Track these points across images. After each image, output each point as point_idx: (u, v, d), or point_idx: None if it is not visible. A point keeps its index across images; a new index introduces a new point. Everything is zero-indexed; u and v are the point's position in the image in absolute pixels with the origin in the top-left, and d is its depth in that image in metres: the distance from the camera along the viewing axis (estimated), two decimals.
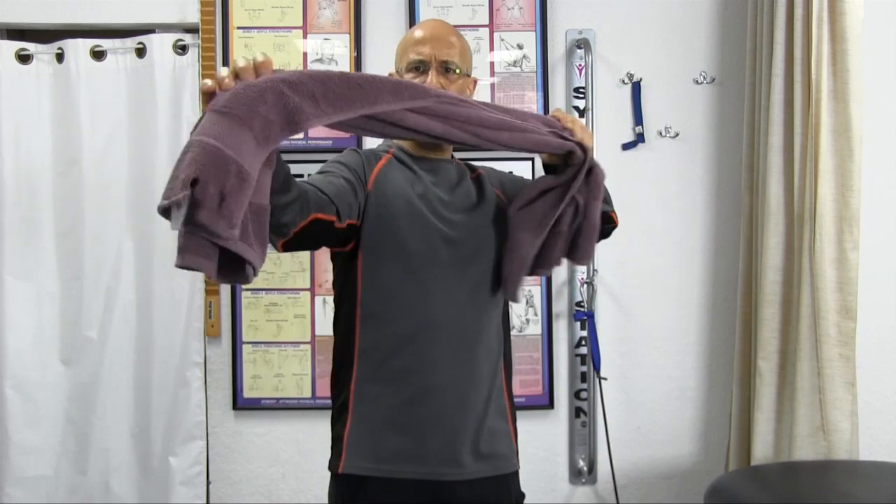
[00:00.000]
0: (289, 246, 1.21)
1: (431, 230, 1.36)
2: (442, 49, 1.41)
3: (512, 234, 1.38)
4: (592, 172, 1.36)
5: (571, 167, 1.35)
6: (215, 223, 0.94)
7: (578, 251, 1.40)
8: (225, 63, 2.27)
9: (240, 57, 1.06)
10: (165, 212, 0.94)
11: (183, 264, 0.96)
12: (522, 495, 1.48)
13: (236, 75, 1.02)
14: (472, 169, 1.53)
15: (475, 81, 1.52)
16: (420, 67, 1.41)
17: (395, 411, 1.34)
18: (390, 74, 1.47)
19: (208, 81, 1.01)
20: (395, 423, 1.34)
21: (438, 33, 1.43)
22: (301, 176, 2.22)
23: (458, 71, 1.43)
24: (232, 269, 1.02)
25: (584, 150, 1.35)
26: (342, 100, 1.09)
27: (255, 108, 1.00)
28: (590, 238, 1.39)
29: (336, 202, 1.25)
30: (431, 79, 1.39)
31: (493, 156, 2.26)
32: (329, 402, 1.43)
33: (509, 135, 1.27)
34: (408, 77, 1.41)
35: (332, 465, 1.38)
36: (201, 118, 1.01)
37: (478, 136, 1.25)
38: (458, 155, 1.55)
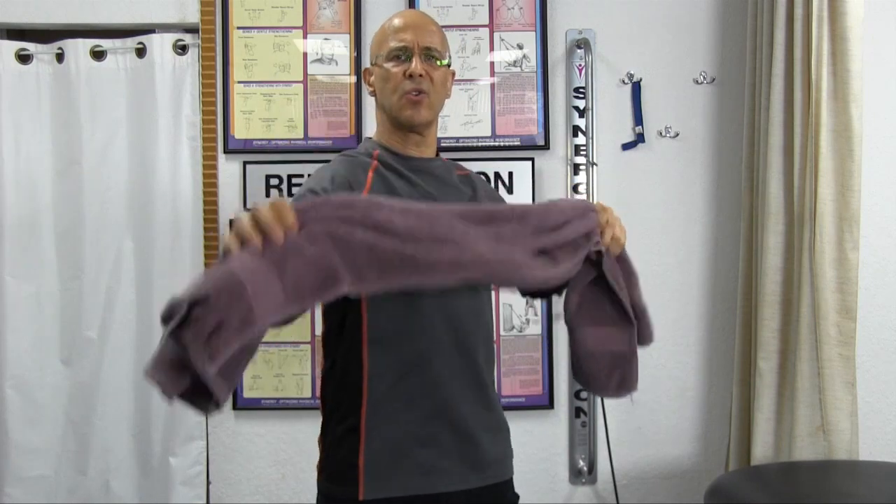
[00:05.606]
0: None
1: None
2: (424, 36, 1.39)
3: (589, 336, 1.32)
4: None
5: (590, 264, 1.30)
6: (196, 351, 0.89)
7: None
8: (225, 63, 2.26)
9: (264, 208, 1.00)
10: (167, 316, 0.91)
11: (148, 375, 0.93)
12: (517, 496, 1.47)
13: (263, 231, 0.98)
14: (458, 167, 1.52)
15: (454, 73, 1.50)
16: (402, 56, 1.38)
17: (414, 427, 1.31)
18: (366, 70, 1.46)
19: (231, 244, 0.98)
20: (417, 438, 1.31)
21: (418, 21, 1.43)
22: (301, 176, 2.24)
23: (440, 62, 1.40)
24: (197, 394, 0.96)
25: (600, 255, 1.29)
26: (389, 274, 1.06)
27: (293, 261, 0.97)
28: (635, 285, 1.37)
29: None
30: (416, 64, 1.36)
31: (485, 156, 2.27)
32: None
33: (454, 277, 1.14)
34: (388, 66, 1.38)
35: (344, 493, 1.31)
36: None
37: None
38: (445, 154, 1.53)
